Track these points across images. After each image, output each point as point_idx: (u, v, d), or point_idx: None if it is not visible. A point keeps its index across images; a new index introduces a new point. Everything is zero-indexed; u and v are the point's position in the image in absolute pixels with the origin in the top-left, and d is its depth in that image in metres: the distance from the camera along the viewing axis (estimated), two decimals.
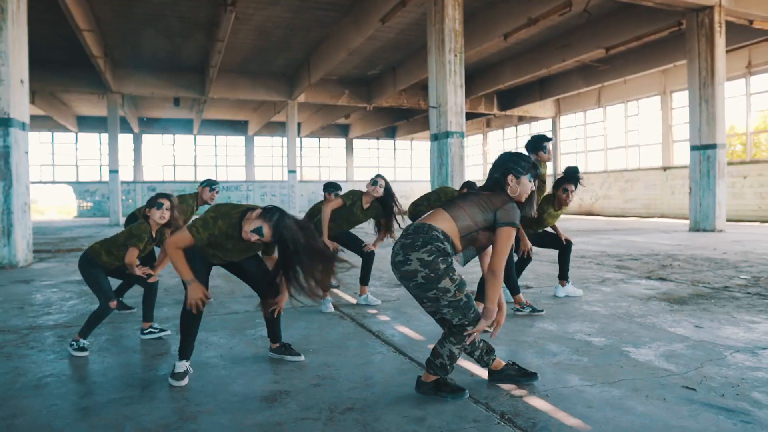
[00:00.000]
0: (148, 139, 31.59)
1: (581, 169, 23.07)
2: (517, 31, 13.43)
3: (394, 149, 35.37)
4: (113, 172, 20.52)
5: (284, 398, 2.59)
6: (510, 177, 2.58)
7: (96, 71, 16.97)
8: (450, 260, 2.46)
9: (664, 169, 19.11)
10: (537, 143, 4.32)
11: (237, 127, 32.04)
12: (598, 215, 21.59)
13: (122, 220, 22.56)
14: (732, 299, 4.76)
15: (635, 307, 4.51)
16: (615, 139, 21.73)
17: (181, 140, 32.61)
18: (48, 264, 7.99)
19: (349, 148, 34.89)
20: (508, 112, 23.77)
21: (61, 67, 18.24)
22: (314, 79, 18.40)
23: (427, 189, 33.84)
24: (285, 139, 32.68)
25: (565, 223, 16.90)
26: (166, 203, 3.69)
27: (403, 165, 35.97)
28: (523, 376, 2.69)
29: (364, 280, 4.89)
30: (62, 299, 5.22)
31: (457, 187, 9.93)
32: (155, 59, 18.37)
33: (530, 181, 2.59)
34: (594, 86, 19.60)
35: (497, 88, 20.76)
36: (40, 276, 6.76)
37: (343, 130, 34.20)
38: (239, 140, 33.63)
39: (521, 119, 26.54)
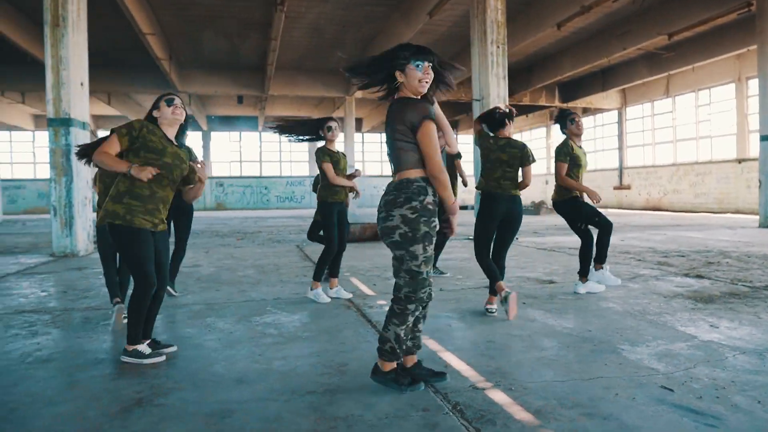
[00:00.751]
0: (216, 136, 32.95)
1: (648, 162, 22.00)
2: (571, 19, 12.98)
3: (474, 143, 35.07)
4: None
5: (256, 380, 2.69)
6: (397, 74, 2.49)
7: (162, 72, 17.87)
8: (433, 225, 2.44)
9: (739, 161, 17.87)
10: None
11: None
12: (666, 210, 20.50)
13: None
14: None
15: (654, 304, 4.30)
16: (685, 130, 20.53)
17: (247, 137, 33.82)
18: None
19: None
20: (571, 104, 22.96)
21: (131, 70, 19.36)
22: None
23: None
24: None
25: (626, 218, 16.21)
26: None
27: (466, 159, 35.54)
28: (431, 376, 2.61)
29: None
30: (103, 284, 5.58)
31: None
32: (217, 59, 19.15)
33: (416, 68, 2.45)
34: (660, 75, 18.61)
35: (557, 80, 20.15)
36: (94, 264, 7.25)
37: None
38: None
39: (585, 111, 25.58)
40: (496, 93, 9.62)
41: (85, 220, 8.43)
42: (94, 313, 4.27)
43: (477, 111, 10.04)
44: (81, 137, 8.33)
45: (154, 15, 14.54)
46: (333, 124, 4.62)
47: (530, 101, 22.71)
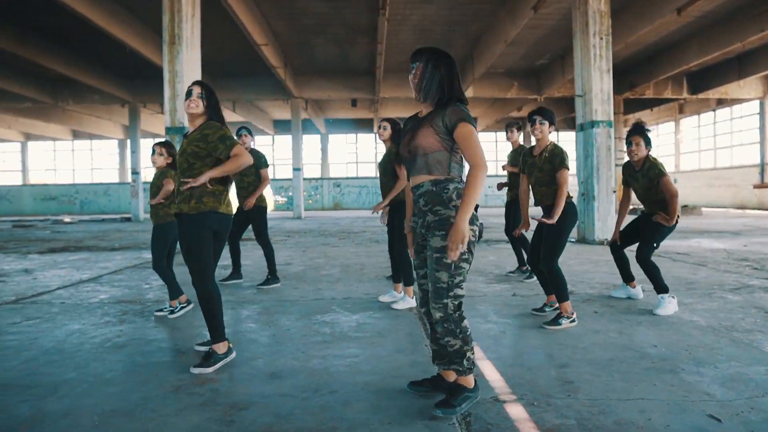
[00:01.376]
0: (333, 138, 34.30)
1: None
2: (692, 3, 11.81)
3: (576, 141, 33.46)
4: (296, 169, 22.70)
5: (287, 377, 2.80)
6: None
7: (278, 80, 18.95)
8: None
9: None
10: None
11: None
12: None
13: (304, 213, 24.96)
14: None
15: (749, 320, 3.82)
16: None
17: (363, 138, 34.80)
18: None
19: (527, 141, 33.86)
20: (702, 96, 20.90)
21: (251, 79, 20.72)
22: (478, 74, 18.30)
23: None
24: None
25: (761, 220, 14.44)
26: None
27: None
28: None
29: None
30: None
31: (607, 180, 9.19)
32: (329, 64, 19.93)
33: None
34: None
35: (683, 69, 18.42)
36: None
37: (522, 123, 33.24)
38: None
39: (720, 102, 23.18)
40: (599, 87, 9.05)
41: None
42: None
43: (580, 107, 9.52)
44: None
45: (268, 26, 15.46)
46: (380, 124, 4.70)
47: (654, 94, 21.00)
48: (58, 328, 3.94)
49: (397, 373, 2.82)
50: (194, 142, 3.03)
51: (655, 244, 4.36)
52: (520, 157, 4.57)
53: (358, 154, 34.95)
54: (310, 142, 34.70)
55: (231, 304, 4.66)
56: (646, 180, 4.29)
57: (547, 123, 3.88)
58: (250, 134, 5.79)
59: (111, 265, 7.40)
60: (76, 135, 31.85)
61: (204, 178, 2.93)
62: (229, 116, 29.28)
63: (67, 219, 22.47)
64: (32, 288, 5.66)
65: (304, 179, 26.81)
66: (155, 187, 4.27)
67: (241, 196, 5.62)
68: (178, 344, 3.50)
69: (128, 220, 21.74)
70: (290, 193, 31.72)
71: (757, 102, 21.25)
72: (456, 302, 2.28)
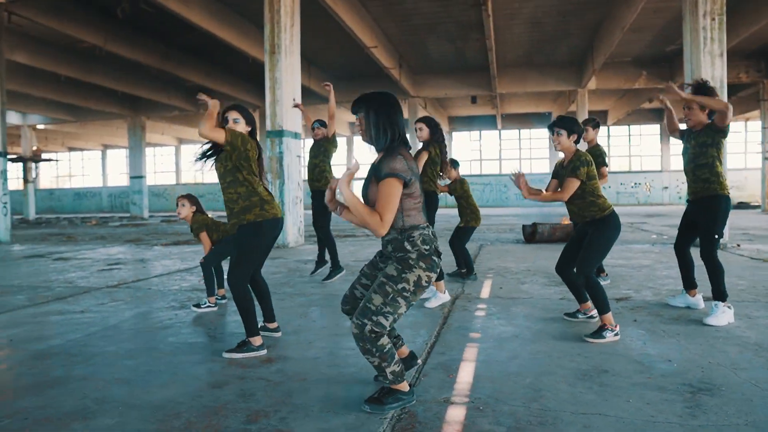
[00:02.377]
0: (456, 136, 34.19)
1: None
2: None
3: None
4: None
5: (276, 361, 3.01)
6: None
7: (392, 80, 19.38)
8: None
9: None
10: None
11: (541, 119, 31.96)
12: None
13: None
14: None
15: None
16: None
17: (487, 135, 34.29)
18: (311, 245, 9.83)
19: (664, 135, 31.13)
20: None
21: (370, 80, 21.33)
22: (598, 64, 17.24)
23: (752, 178, 27.77)
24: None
25: None
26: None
27: (736, 150, 30.25)
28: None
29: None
30: (275, 272, 6.55)
31: None
32: (444, 62, 19.96)
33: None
34: None
35: None
36: (296, 255, 8.44)
37: (657, 115, 30.68)
38: (543, 132, 33.53)
39: None
40: (709, 74, 8.13)
41: (296, 217, 9.82)
42: None
43: None
44: (292, 146, 9.74)
45: (379, 28, 15.89)
46: (415, 126, 4.77)
47: None
48: (130, 310, 4.54)
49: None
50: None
51: (717, 236, 3.92)
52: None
53: (482, 152, 34.51)
54: None
55: (292, 297, 5.00)
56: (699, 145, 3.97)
57: (565, 132, 3.57)
58: (323, 126, 6.03)
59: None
60: None
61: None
62: (350, 117, 30.52)
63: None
64: (136, 275, 6.51)
65: None
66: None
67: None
68: (214, 331, 3.87)
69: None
70: None
71: None
72: (376, 328, 2.28)
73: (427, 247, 2.38)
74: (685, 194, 4.28)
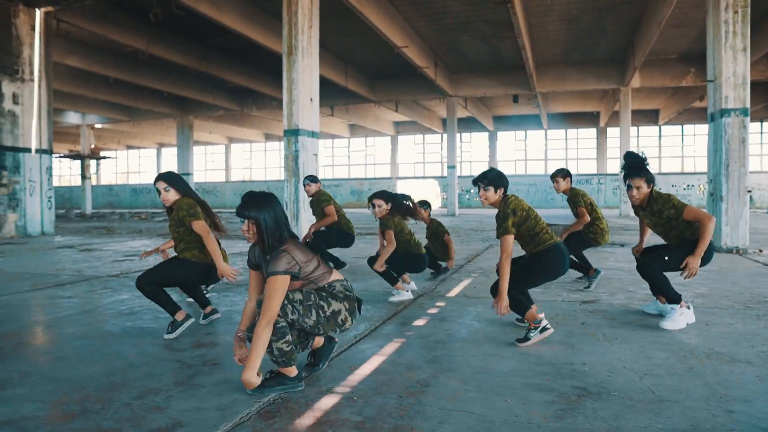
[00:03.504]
0: (501, 136, 33.74)
1: None
2: None
3: (761, 132, 28.47)
4: (451, 167, 22.93)
5: (203, 346, 3.18)
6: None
7: (428, 80, 19.36)
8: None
9: None
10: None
11: (588, 118, 31.12)
12: None
13: (459, 211, 25.04)
14: None
15: (756, 350, 3.17)
16: None
17: (532, 135, 33.68)
18: None
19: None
20: None
21: (408, 79, 21.37)
22: (638, 62, 16.67)
23: None
24: (638, 128, 30.40)
25: None
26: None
27: (754, 152, 28.50)
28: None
29: None
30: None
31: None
32: (480, 61, 19.79)
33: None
34: None
35: None
36: None
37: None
38: (590, 132, 32.67)
39: None
40: (731, 70, 7.77)
41: (310, 214, 10.04)
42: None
43: (711, 94, 8.28)
44: (309, 145, 9.96)
45: (411, 27, 15.94)
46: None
47: None
48: (111, 297, 4.84)
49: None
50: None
51: (666, 257, 3.81)
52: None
53: (527, 151, 33.91)
54: (478, 140, 34.60)
55: None
56: (656, 218, 3.81)
57: (492, 188, 3.39)
58: (312, 182, 6.53)
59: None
60: (268, 137, 36.13)
61: None
62: (396, 116, 30.68)
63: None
64: (142, 266, 6.87)
65: (460, 177, 26.67)
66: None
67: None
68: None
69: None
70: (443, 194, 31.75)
71: None
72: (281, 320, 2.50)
73: (350, 293, 2.71)
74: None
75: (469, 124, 31.49)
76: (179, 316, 3.51)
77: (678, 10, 13.35)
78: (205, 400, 2.41)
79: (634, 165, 3.82)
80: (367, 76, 21.84)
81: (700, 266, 3.68)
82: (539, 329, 3.31)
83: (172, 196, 3.59)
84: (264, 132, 34.35)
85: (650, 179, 3.81)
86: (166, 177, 3.63)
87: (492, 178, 3.40)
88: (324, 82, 20.60)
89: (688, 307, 3.77)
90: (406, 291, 4.66)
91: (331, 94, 21.57)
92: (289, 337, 2.52)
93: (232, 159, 38.01)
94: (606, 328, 3.69)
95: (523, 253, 3.60)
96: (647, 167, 3.82)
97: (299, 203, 9.79)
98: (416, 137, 35.71)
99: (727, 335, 3.48)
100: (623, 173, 3.86)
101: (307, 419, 2.21)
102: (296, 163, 9.80)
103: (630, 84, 19.64)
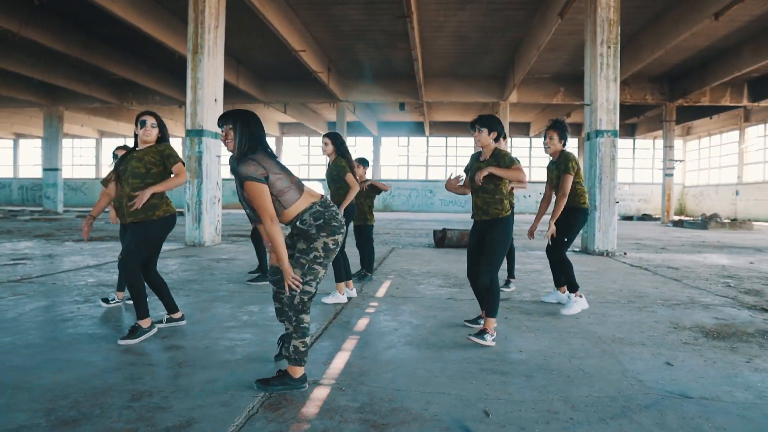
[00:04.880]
0: (385, 141, 34.81)
1: None
2: (729, 7, 11.35)
3: (634, 149, 32.37)
4: None
5: (170, 350, 3.23)
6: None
7: (321, 84, 19.60)
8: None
9: None
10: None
11: (467, 128, 33.06)
12: None
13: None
14: None
15: (646, 334, 3.90)
16: None
17: (415, 142, 35.11)
18: (228, 245, 9.94)
19: (581, 147, 33.04)
20: (763, 104, 19.77)
21: (299, 82, 21.51)
22: (518, 80, 18.22)
23: (657, 192, 30.10)
24: (512, 139, 32.90)
25: None
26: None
27: (643, 166, 32.63)
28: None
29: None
30: (187, 269, 6.67)
31: (604, 188, 9.10)
32: (372, 69, 20.40)
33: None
34: None
35: (738, 76, 17.54)
36: (212, 253, 8.54)
37: (575, 129, 32.56)
38: (469, 141, 34.75)
39: None
40: (604, 97, 8.98)
41: (213, 216, 9.88)
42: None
43: (588, 116, 9.47)
44: (212, 146, 9.80)
45: (309, 32, 16.11)
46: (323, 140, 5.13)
47: (711, 101, 20.08)
48: (30, 304, 4.58)
49: (265, 355, 3.19)
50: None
51: (566, 239, 4.52)
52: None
53: (410, 157, 35.29)
54: (362, 144, 35.36)
55: (198, 293, 5.17)
56: (558, 172, 4.48)
57: (485, 129, 3.73)
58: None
59: None
60: None
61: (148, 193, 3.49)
62: (283, 117, 30.47)
63: None
64: (41, 270, 6.44)
65: None
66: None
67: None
68: (115, 324, 4.02)
69: (181, 214, 23.14)
70: None
71: None
72: (303, 297, 2.68)
73: (320, 221, 2.74)
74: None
75: (355, 128, 32.11)
76: (145, 323, 3.50)
77: (555, 36, 14.84)
78: (204, 398, 2.54)
79: (555, 121, 4.51)
80: (259, 77, 21.60)
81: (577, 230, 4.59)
82: (493, 337, 3.56)
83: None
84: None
85: (562, 136, 4.50)
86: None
87: (486, 120, 3.75)
88: None
89: (581, 296, 4.49)
90: (343, 294, 4.92)
91: (227, 94, 21.03)
92: (307, 339, 2.72)
93: (104, 154, 35.32)
94: (526, 321, 4.26)
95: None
96: (565, 128, 4.50)
97: (202, 205, 9.61)
98: (301, 139, 35.69)
99: (621, 324, 4.20)
100: (546, 127, 4.56)
101: (311, 408, 2.44)
102: (199, 164, 9.62)
103: (509, 99, 21.36)
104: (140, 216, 3.55)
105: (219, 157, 10.08)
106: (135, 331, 3.47)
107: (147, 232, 3.56)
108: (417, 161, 35.17)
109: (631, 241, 12.19)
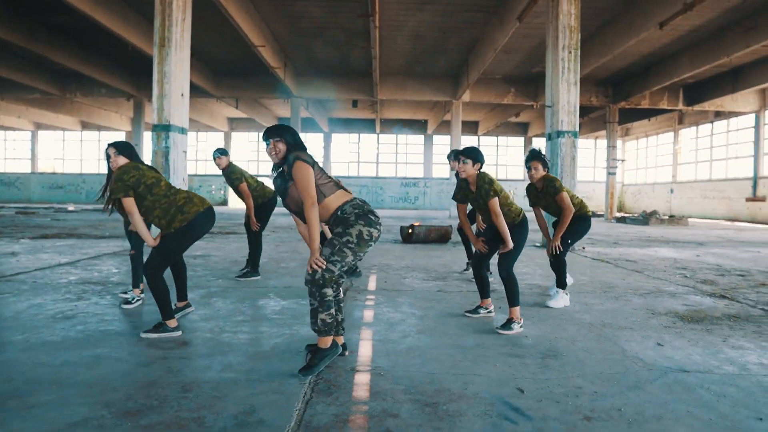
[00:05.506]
0: (336, 137, 34.82)
1: None
2: (674, 18, 12.14)
3: (576, 148, 33.82)
4: None
5: (190, 344, 3.30)
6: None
7: (277, 80, 19.48)
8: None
9: None
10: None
11: (417, 126, 33.58)
12: None
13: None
14: (764, 324, 4.18)
15: (631, 319, 4.26)
16: None
17: (365, 139, 35.31)
18: (200, 242, 9.80)
19: (527, 146, 34.21)
20: (697, 107, 21.14)
21: (253, 77, 21.28)
22: (472, 80, 18.71)
23: (599, 189, 31.64)
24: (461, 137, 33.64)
25: (740, 233, 14.72)
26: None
27: (586, 164, 34.12)
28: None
29: None
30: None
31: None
32: (329, 66, 20.45)
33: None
34: None
35: (677, 81, 18.72)
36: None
37: (522, 129, 33.68)
38: (419, 138, 35.27)
39: (718, 115, 23.39)
40: (566, 99, 9.45)
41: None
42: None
43: (549, 118, 9.93)
44: (179, 141, 9.65)
45: (267, 28, 16.00)
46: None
47: (650, 104, 21.29)
48: (21, 302, 4.47)
49: (290, 347, 3.31)
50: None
51: (569, 241, 4.84)
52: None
53: (360, 154, 35.45)
54: (314, 140, 35.24)
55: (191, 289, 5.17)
56: (548, 197, 4.77)
57: (470, 161, 3.98)
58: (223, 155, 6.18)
59: (92, 252, 7.97)
60: (85, 126, 32.70)
61: None
62: (233, 112, 29.99)
63: (71, 207, 23.22)
64: (12, 269, 6.22)
65: None
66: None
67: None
68: (122, 321, 4.01)
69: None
70: None
71: (753, 116, 21.44)
72: (325, 275, 2.84)
73: (359, 211, 2.95)
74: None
75: (306, 124, 31.94)
76: (172, 324, 3.54)
77: (509, 39, 15.36)
78: (254, 387, 2.64)
79: (535, 153, 4.78)
80: (213, 72, 21.20)
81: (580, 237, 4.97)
82: (520, 324, 3.87)
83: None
84: (81, 120, 31.05)
85: (545, 165, 4.78)
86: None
87: (470, 152, 4.00)
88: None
89: (567, 294, 4.82)
90: None
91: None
92: (332, 310, 2.89)
93: (40, 148, 33.55)
94: (521, 311, 4.54)
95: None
96: (544, 157, 4.77)
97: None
98: (251, 134, 35.18)
99: (605, 312, 4.55)
100: (526, 158, 4.80)
101: (361, 392, 2.60)
102: (167, 160, 9.44)
103: (461, 98, 21.89)
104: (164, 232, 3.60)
105: (185, 153, 9.92)
106: (159, 327, 3.51)
107: (169, 241, 3.58)
108: (367, 158, 35.38)
109: (584, 237, 12.83)
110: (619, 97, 21.28)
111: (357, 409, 2.41)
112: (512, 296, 3.94)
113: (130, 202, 3.52)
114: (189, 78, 9.96)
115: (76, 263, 6.77)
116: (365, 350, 3.30)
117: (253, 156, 34.97)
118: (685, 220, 18.47)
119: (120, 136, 33.68)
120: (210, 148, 35.00)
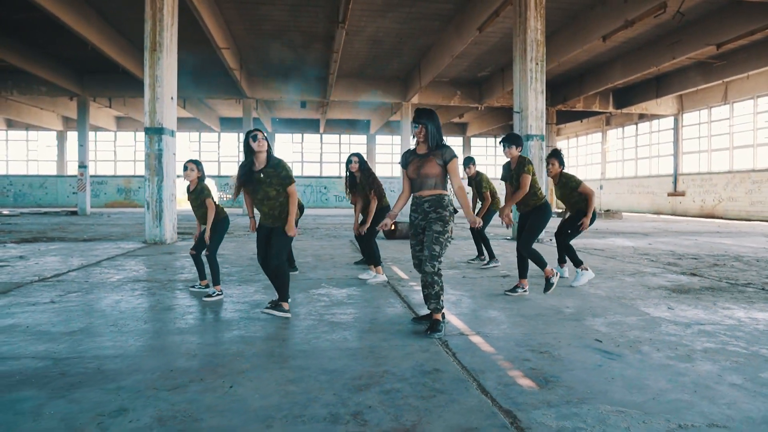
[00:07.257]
0: (280, 137, 34.91)
1: (704, 169, 21.99)
2: (615, 33, 13.58)
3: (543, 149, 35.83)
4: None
5: (308, 322, 3.88)
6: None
7: (233, 80, 19.59)
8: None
9: None
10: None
11: (360, 126, 34.28)
12: (721, 218, 20.46)
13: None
14: (738, 292, 5.25)
15: (635, 293, 5.21)
16: (743, 137, 20.43)
17: (309, 138, 35.61)
18: (187, 242, 10.06)
19: (466, 146, 35.76)
20: (625, 110, 23.21)
21: (206, 78, 21.20)
22: (424, 83, 19.63)
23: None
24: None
25: (672, 224, 16.52)
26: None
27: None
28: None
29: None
30: (192, 265, 6.97)
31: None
32: (283, 68, 20.75)
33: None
34: (715, 82, 18.69)
35: (610, 86, 20.51)
36: (180, 250, 8.73)
37: (461, 129, 35.15)
38: (362, 138, 35.97)
39: (642, 117, 25.68)
40: (534, 106, 10.50)
41: (172, 213, 9.96)
42: (192, 283, 5.59)
43: (517, 122, 10.95)
44: (170, 143, 9.87)
45: (228, 30, 16.18)
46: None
47: (584, 107, 23.12)
48: (102, 299, 4.81)
49: (388, 322, 3.96)
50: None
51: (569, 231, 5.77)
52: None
53: (303, 154, 35.72)
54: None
55: (240, 283, 5.64)
56: (566, 189, 5.67)
57: (514, 146, 5.13)
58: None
59: (100, 253, 8.12)
60: (11, 125, 31.01)
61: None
62: (178, 112, 29.42)
63: (5, 212, 22.09)
64: (43, 271, 6.38)
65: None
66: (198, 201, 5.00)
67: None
68: (212, 308, 4.49)
69: (74, 213, 21.74)
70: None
71: (672, 118, 23.77)
72: (440, 264, 3.60)
73: (451, 207, 3.71)
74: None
75: (254, 124, 31.86)
76: (286, 305, 4.09)
77: (463, 46, 16.40)
78: (407, 348, 3.29)
79: (554, 151, 5.69)
80: None
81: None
82: (558, 275, 4.88)
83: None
84: (7, 118, 29.41)
85: (561, 162, 5.69)
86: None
87: (514, 138, 5.07)
88: (116, 73, 19.32)
89: (587, 269, 5.72)
90: (382, 275, 5.75)
91: (110, 84, 20.44)
92: (443, 295, 3.65)
93: None
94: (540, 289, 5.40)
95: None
96: (561, 155, 5.71)
97: (162, 203, 9.68)
98: (192, 134, 34.61)
99: (610, 288, 5.48)
100: (547, 156, 5.79)
101: (486, 347, 3.31)
102: (159, 162, 9.67)
103: (411, 100, 22.82)
104: (278, 223, 4.14)
105: (175, 155, 10.14)
106: (276, 306, 4.08)
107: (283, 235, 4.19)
108: (311, 158, 35.71)
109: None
110: (556, 100, 22.96)
111: (496, 357, 3.12)
112: (539, 263, 4.96)
113: (293, 188, 4.14)
114: (176, 81, 10.18)
115: (99, 263, 6.99)
116: (455, 321, 4.01)
117: (195, 156, 34.39)
118: (620, 214, 20.30)
119: (51, 136, 32.16)
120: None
